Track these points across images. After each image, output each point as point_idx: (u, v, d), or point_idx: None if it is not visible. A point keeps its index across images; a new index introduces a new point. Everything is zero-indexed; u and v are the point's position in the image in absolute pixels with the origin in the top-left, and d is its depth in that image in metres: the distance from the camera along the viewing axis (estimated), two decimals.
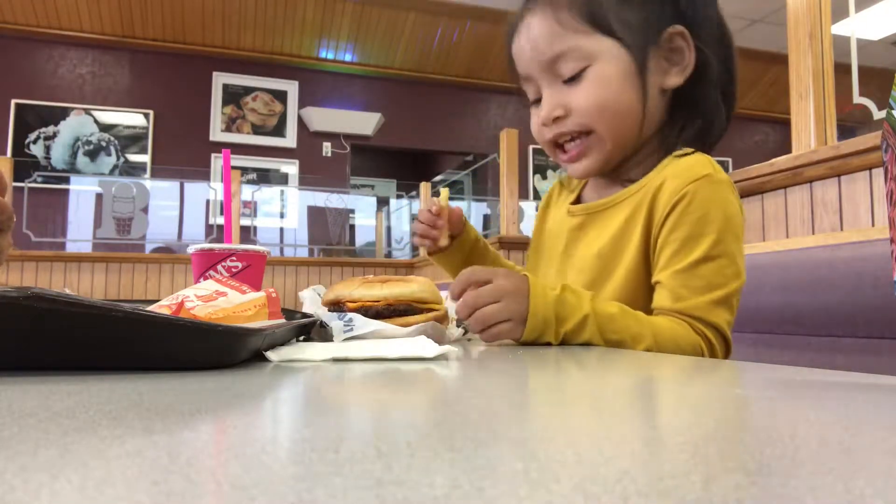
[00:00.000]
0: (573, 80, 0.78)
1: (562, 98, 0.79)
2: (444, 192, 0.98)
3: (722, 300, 0.71)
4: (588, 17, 0.77)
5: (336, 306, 0.68)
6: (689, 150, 0.78)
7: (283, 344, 0.55)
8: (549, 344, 0.69)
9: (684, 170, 0.74)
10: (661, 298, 0.72)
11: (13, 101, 5.72)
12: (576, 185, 0.93)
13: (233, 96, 6.34)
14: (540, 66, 0.79)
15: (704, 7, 0.80)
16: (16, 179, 4.40)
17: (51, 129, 5.81)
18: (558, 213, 0.91)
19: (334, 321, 0.60)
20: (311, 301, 0.75)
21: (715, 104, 0.80)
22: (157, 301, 0.52)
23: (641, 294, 0.75)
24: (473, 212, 7.12)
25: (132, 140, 6.03)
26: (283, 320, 0.56)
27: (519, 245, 3.44)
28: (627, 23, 0.77)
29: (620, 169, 0.84)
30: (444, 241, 0.96)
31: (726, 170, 0.81)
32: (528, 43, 0.80)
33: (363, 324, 0.60)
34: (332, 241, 5.84)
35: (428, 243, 0.98)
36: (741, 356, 0.95)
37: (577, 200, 0.90)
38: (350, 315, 0.62)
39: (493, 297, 0.66)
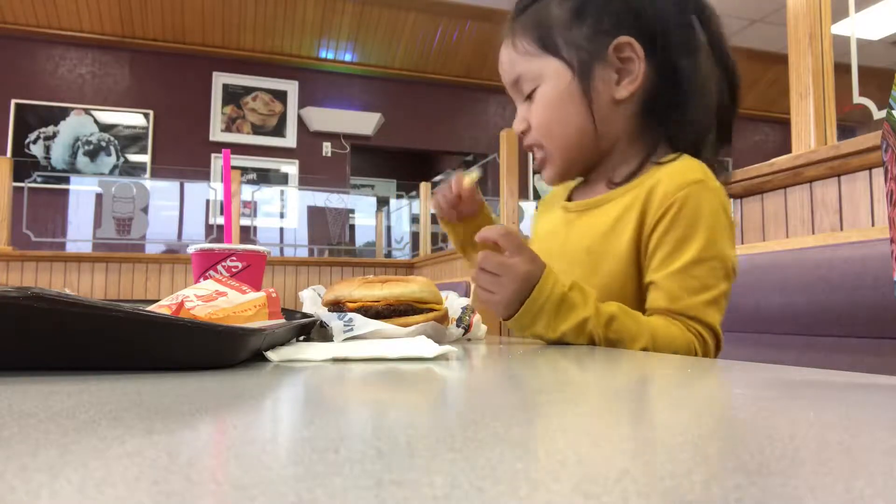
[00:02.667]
0: (530, 98, 0.85)
1: (525, 113, 0.86)
2: (474, 176, 0.95)
3: (713, 301, 0.73)
4: (538, 41, 0.83)
5: (336, 306, 0.68)
6: (681, 154, 0.80)
7: (283, 344, 0.55)
8: (547, 339, 0.71)
9: (677, 174, 0.76)
10: (656, 299, 0.74)
11: (13, 101, 5.72)
12: (568, 185, 0.96)
13: (233, 96, 6.34)
14: (508, 86, 0.88)
15: (671, 15, 0.79)
16: (16, 179, 4.40)
17: (51, 129, 5.80)
18: (555, 211, 0.93)
19: (334, 321, 0.60)
20: (311, 301, 0.75)
21: (696, 109, 0.80)
22: (157, 301, 0.52)
23: (629, 291, 0.77)
24: None
25: (132, 140, 6.03)
26: (283, 320, 0.56)
27: None
28: (574, 42, 0.80)
29: (601, 171, 0.87)
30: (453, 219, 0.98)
31: (726, 170, 0.82)
32: (500, 67, 0.88)
33: (363, 324, 0.60)
34: (332, 241, 5.84)
35: (443, 213, 0.99)
36: (741, 356, 0.95)
37: (569, 199, 0.93)
38: (350, 315, 0.62)
39: (497, 270, 0.70)
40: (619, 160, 0.84)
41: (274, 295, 0.55)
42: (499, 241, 0.71)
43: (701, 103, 0.80)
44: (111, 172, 5.91)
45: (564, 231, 0.87)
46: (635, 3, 0.79)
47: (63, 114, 5.86)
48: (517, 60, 0.85)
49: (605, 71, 0.80)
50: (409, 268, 4.98)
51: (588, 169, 0.88)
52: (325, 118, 6.52)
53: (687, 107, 0.80)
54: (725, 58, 0.82)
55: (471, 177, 0.95)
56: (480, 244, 0.74)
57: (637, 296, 0.77)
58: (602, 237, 0.79)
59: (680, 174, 0.76)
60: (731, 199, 1.79)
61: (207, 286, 0.53)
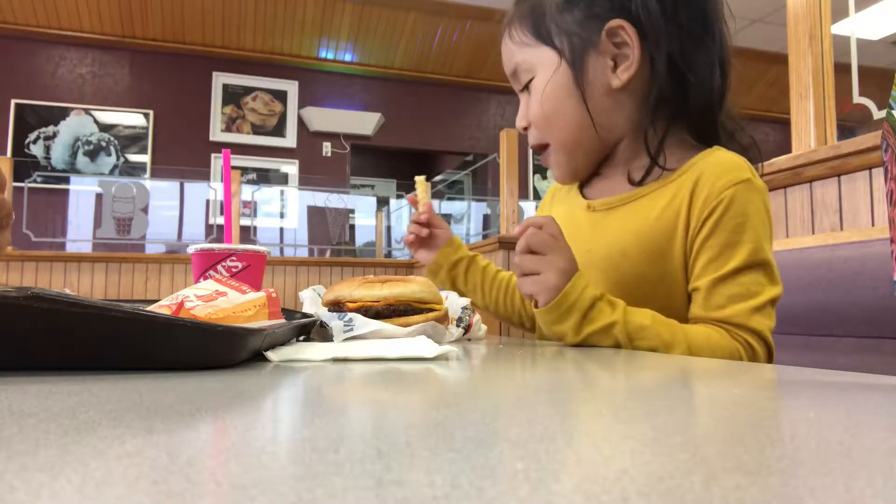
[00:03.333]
0: (527, 89, 0.81)
1: (524, 108, 0.83)
2: (420, 180, 0.94)
3: (761, 307, 0.69)
4: (532, 30, 0.79)
5: (336, 306, 0.68)
6: (714, 147, 0.76)
7: (283, 344, 0.55)
8: (571, 342, 0.70)
9: (724, 171, 0.71)
10: (698, 307, 0.71)
11: (13, 101, 5.71)
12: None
13: (233, 96, 6.33)
14: (509, 78, 0.85)
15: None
16: (16, 179, 4.40)
17: (51, 129, 5.80)
18: (571, 210, 0.87)
19: (334, 321, 0.60)
20: (311, 301, 0.75)
21: (701, 90, 0.75)
22: (157, 301, 0.52)
23: (678, 294, 0.73)
24: (473, 212, 7.11)
25: (132, 140, 6.03)
26: (283, 320, 0.56)
27: None
28: (565, 28, 0.77)
29: (613, 165, 0.82)
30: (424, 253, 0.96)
31: (758, 158, 0.79)
32: (502, 59, 0.85)
33: (363, 324, 0.60)
34: (332, 241, 5.84)
35: (415, 244, 0.97)
36: None
37: (583, 195, 0.87)
38: (350, 315, 0.62)
39: (545, 247, 0.69)
40: (632, 154, 0.79)
41: (274, 295, 0.55)
42: (545, 224, 0.70)
43: (705, 92, 0.75)
44: (111, 172, 5.91)
45: (589, 231, 0.80)
46: None
47: (63, 114, 5.85)
48: (514, 51, 0.82)
49: (599, 58, 0.76)
50: (409, 268, 4.98)
51: (596, 163, 0.84)
52: (325, 118, 6.52)
53: (691, 97, 0.75)
54: (724, 48, 0.77)
55: (419, 181, 0.94)
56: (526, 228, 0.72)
57: (686, 300, 0.73)
58: (639, 237, 0.74)
59: (725, 171, 0.71)
60: None
61: (207, 286, 0.53)
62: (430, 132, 7.01)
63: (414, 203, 0.94)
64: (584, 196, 0.86)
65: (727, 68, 0.78)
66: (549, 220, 0.71)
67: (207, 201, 5.79)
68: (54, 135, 5.81)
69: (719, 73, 0.76)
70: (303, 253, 5.93)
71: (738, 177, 0.70)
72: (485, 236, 5.61)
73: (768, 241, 0.71)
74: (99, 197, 5.14)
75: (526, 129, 0.84)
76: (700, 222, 0.71)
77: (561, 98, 0.78)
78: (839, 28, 1.80)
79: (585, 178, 0.87)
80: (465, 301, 0.79)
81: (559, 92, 0.78)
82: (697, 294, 0.71)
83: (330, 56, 6.55)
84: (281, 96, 6.47)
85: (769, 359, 0.71)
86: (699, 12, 0.75)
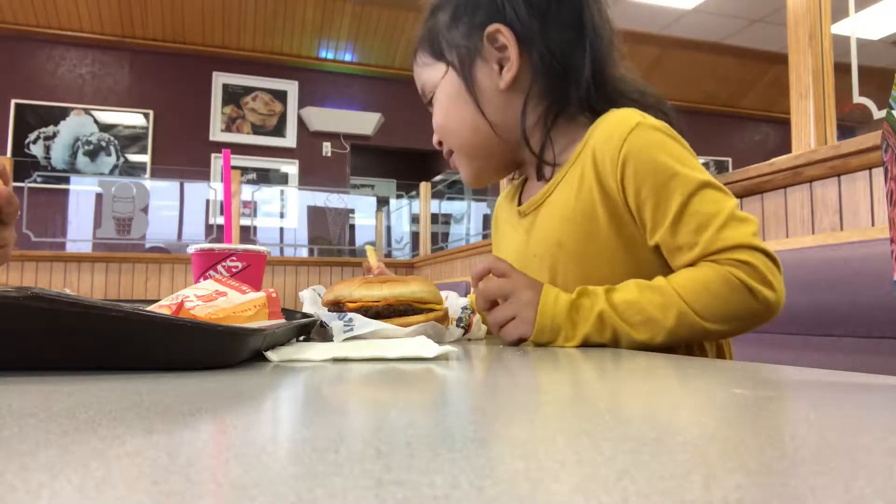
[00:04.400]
0: (431, 105, 0.88)
1: (434, 123, 0.89)
2: (369, 249, 1.01)
3: (726, 222, 0.67)
4: (430, 50, 0.85)
5: (336, 306, 0.68)
6: (611, 111, 0.77)
7: (283, 344, 0.55)
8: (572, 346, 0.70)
9: (613, 129, 0.73)
10: (674, 259, 0.71)
11: (13, 101, 5.72)
12: (513, 191, 0.95)
13: (233, 96, 6.34)
14: (422, 98, 0.90)
15: None
16: (16, 179, 4.40)
17: (51, 129, 5.80)
18: (508, 221, 0.92)
19: (334, 321, 0.60)
20: (311, 301, 0.75)
21: (578, 82, 0.78)
22: (157, 301, 0.52)
23: (636, 262, 0.74)
24: (473, 212, 7.11)
25: (132, 140, 6.03)
26: (283, 320, 0.56)
27: None
28: (454, 42, 0.82)
29: (531, 169, 0.86)
30: None
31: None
32: None
33: (363, 324, 0.60)
34: (332, 241, 5.84)
35: None
36: (741, 356, 0.95)
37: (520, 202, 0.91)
38: (350, 315, 0.62)
39: (503, 291, 0.71)
40: (545, 152, 0.82)
41: (274, 295, 0.55)
42: (492, 267, 0.74)
43: (581, 84, 0.78)
44: (111, 172, 5.91)
45: (527, 236, 0.83)
46: None
47: (63, 114, 5.86)
48: (418, 72, 0.88)
49: (486, 64, 0.81)
50: (409, 268, 4.98)
51: (503, 166, 0.89)
52: (325, 118, 6.52)
53: (571, 89, 0.79)
54: (599, 39, 0.79)
55: (369, 250, 1.00)
56: (476, 281, 0.76)
57: (642, 259, 0.73)
58: (567, 223, 0.76)
59: (613, 128, 0.73)
60: None
61: (207, 286, 0.53)
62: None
63: (369, 269, 1.00)
64: (522, 200, 0.90)
65: (601, 58, 0.80)
66: (494, 261, 0.74)
67: (207, 201, 5.79)
68: (54, 135, 5.81)
69: (590, 65, 0.79)
70: (303, 253, 5.94)
71: (627, 127, 0.71)
72: (485, 236, 5.62)
73: (693, 163, 0.71)
74: (99, 197, 5.14)
75: (441, 143, 0.89)
76: (619, 184, 0.71)
77: (455, 106, 0.84)
78: (839, 28, 1.80)
79: (495, 178, 0.94)
80: (465, 301, 0.79)
81: (453, 100, 0.84)
82: (665, 249, 0.71)
83: (330, 56, 6.55)
84: (281, 96, 6.47)
85: (774, 262, 0.68)
86: (571, 9, 0.79)
